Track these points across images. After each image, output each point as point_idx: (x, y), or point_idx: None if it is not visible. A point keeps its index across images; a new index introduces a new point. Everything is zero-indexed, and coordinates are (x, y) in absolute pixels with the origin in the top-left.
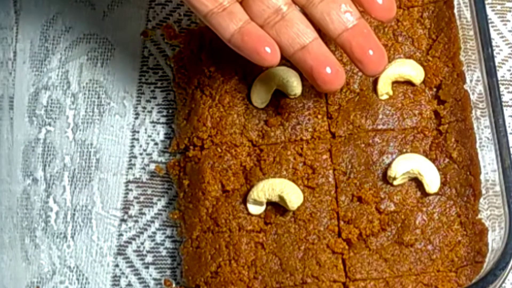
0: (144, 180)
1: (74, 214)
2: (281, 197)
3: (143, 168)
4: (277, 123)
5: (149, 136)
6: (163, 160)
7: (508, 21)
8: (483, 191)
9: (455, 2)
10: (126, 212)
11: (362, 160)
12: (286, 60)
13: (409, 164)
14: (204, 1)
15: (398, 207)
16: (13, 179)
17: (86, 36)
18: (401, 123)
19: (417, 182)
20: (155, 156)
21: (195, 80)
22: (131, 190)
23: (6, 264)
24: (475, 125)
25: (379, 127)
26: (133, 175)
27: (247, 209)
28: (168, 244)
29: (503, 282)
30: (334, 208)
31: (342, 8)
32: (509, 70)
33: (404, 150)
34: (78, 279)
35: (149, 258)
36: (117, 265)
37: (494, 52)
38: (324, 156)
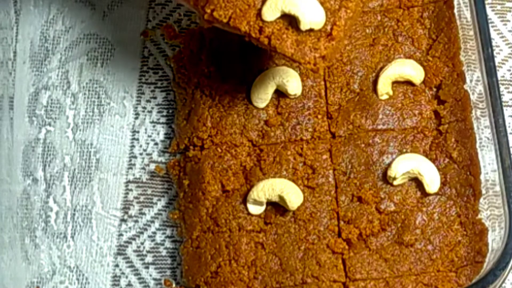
0: (144, 180)
1: (74, 214)
2: (281, 197)
3: (143, 168)
4: (277, 123)
5: (149, 136)
6: (163, 160)
7: (508, 21)
8: (483, 191)
9: (455, 2)
10: (126, 212)
11: (362, 160)
12: (287, 60)
13: (409, 164)
14: None
15: (398, 207)
16: (13, 179)
17: (86, 36)
18: (401, 123)
19: (417, 182)
20: (155, 156)
21: (195, 80)
22: (131, 190)
23: (6, 264)
24: (475, 125)
25: (379, 127)
26: (133, 175)
27: (247, 209)
28: (168, 244)
29: (503, 282)
30: (334, 208)
31: None
32: (509, 70)
33: (404, 150)
34: (78, 279)
35: (149, 258)
36: (117, 265)
37: (494, 52)
38: (324, 156)
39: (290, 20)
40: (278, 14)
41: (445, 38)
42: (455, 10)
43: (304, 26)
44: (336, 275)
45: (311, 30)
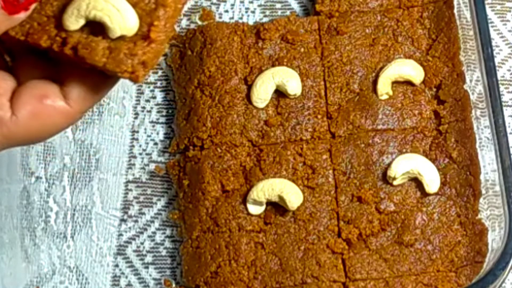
0: (144, 180)
1: (74, 214)
2: (281, 197)
3: (143, 168)
4: (277, 123)
5: (149, 136)
6: (163, 160)
7: (508, 21)
8: (483, 191)
9: (455, 2)
10: (126, 212)
11: (362, 160)
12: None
13: (409, 164)
14: None
15: (398, 207)
16: (12, 179)
17: None
18: (401, 123)
19: (417, 182)
20: (154, 156)
21: (195, 80)
22: (130, 190)
23: (6, 264)
24: (475, 125)
25: (379, 127)
26: (133, 175)
27: (247, 209)
28: (168, 244)
29: (503, 282)
30: (334, 208)
31: None
32: (509, 70)
33: (404, 150)
34: (78, 279)
35: (149, 258)
36: (117, 265)
37: (494, 52)
38: (324, 156)
39: (99, 28)
40: (83, 21)
41: (445, 38)
42: (455, 10)
43: (113, 33)
44: (336, 275)
45: (123, 36)
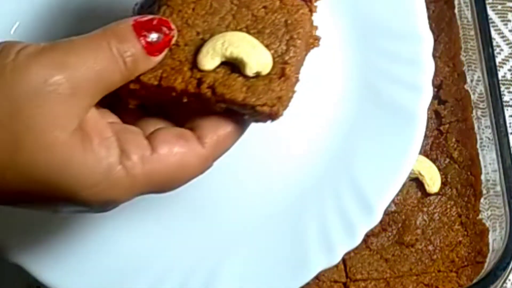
0: None
1: None
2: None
3: None
4: None
5: None
6: None
7: (509, 21)
8: (484, 191)
9: (456, 2)
10: None
11: None
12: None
13: None
14: None
15: (399, 207)
16: None
17: None
18: None
19: (417, 182)
20: None
21: None
22: None
23: (6, 264)
24: (475, 125)
25: None
26: None
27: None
28: None
29: (504, 282)
30: None
31: None
32: (510, 70)
33: None
34: None
35: None
36: None
37: (495, 52)
38: None
39: (232, 68)
40: (218, 60)
41: (446, 38)
42: (456, 10)
43: (250, 69)
44: (337, 275)
45: (258, 75)
